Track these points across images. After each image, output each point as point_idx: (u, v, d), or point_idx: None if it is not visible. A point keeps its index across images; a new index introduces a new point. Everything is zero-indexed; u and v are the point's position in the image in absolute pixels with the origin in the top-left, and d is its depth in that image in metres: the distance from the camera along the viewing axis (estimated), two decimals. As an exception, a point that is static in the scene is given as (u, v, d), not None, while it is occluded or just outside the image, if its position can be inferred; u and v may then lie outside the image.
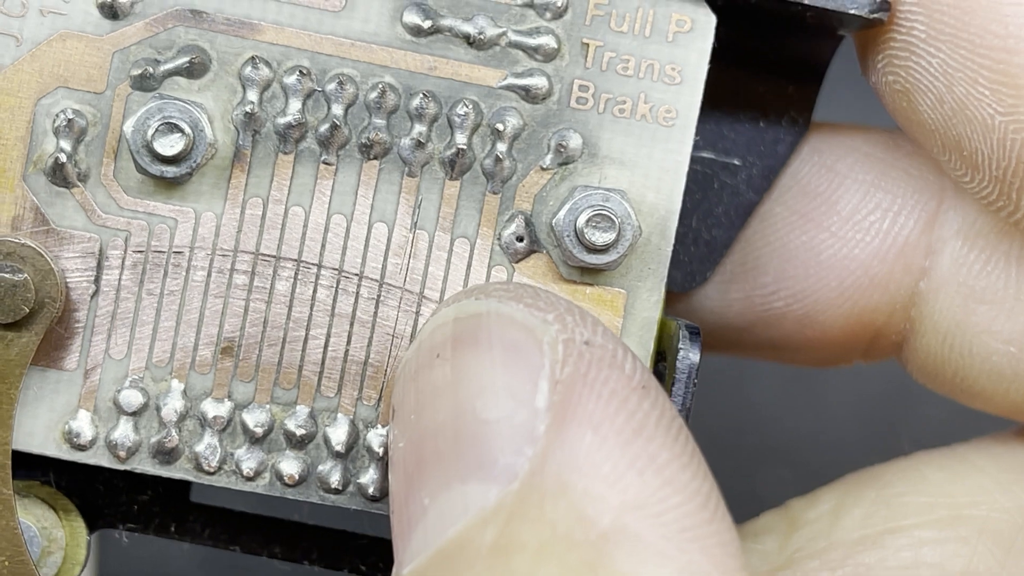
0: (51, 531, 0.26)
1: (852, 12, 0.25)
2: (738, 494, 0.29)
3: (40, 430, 0.25)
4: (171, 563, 0.37)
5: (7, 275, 0.24)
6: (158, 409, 0.25)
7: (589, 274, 0.26)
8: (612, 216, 0.25)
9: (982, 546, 0.27)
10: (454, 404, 0.23)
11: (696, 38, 0.26)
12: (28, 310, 0.24)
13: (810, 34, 0.27)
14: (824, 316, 0.28)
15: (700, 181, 0.28)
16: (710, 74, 0.26)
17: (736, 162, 0.28)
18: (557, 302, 0.24)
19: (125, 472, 0.27)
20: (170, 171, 0.25)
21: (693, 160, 0.27)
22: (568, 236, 0.25)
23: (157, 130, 0.25)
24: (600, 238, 0.25)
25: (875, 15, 0.25)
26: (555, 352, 0.23)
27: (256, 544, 0.28)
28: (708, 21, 0.26)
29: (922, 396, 0.34)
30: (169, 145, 0.25)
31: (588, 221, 0.25)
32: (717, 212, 0.29)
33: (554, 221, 0.25)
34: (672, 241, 0.26)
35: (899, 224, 0.28)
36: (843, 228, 0.28)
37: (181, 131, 0.25)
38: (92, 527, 0.27)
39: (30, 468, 0.26)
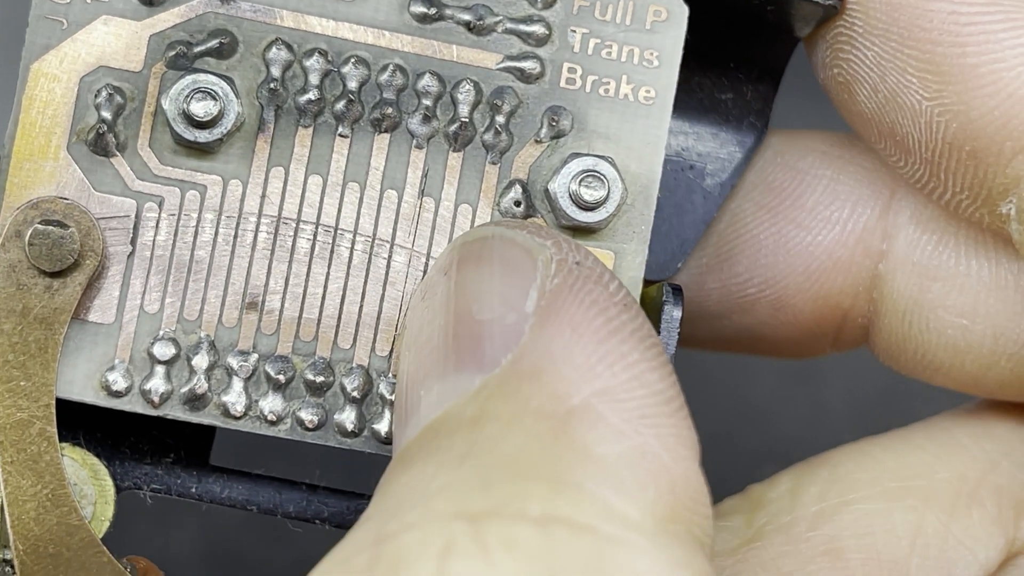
0: (82, 487, 0.28)
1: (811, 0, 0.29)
2: (738, 494, 0.31)
3: (79, 379, 0.27)
4: (172, 558, 0.39)
5: (55, 228, 0.27)
6: (189, 359, 0.28)
7: (580, 235, 0.28)
8: (602, 177, 0.28)
9: (928, 512, 0.30)
10: (454, 308, 0.25)
11: (671, 26, 0.29)
12: (73, 260, 0.27)
13: (769, 35, 0.30)
14: (795, 300, 0.31)
15: (669, 180, 0.31)
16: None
17: (701, 163, 0.31)
18: (556, 234, 0.26)
19: (149, 435, 0.29)
20: (203, 136, 0.27)
21: (663, 161, 0.30)
22: (562, 196, 0.28)
23: (192, 96, 0.27)
24: (591, 195, 0.28)
25: (828, 2, 0.29)
26: (547, 268, 0.25)
27: (271, 504, 0.29)
28: (682, 11, 0.29)
29: (920, 397, 0.36)
30: (203, 110, 0.27)
31: (581, 181, 0.28)
32: (685, 209, 0.31)
33: (549, 185, 0.28)
34: (654, 206, 0.29)
35: (857, 212, 0.31)
36: (807, 219, 0.31)
37: (214, 97, 0.27)
38: (119, 488, 0.29)
39: (62, 427, 0.28)
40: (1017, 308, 0.30)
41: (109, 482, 0.28)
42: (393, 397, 0.28)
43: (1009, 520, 0.30)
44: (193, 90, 0.27)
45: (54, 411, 0.27)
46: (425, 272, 0.28)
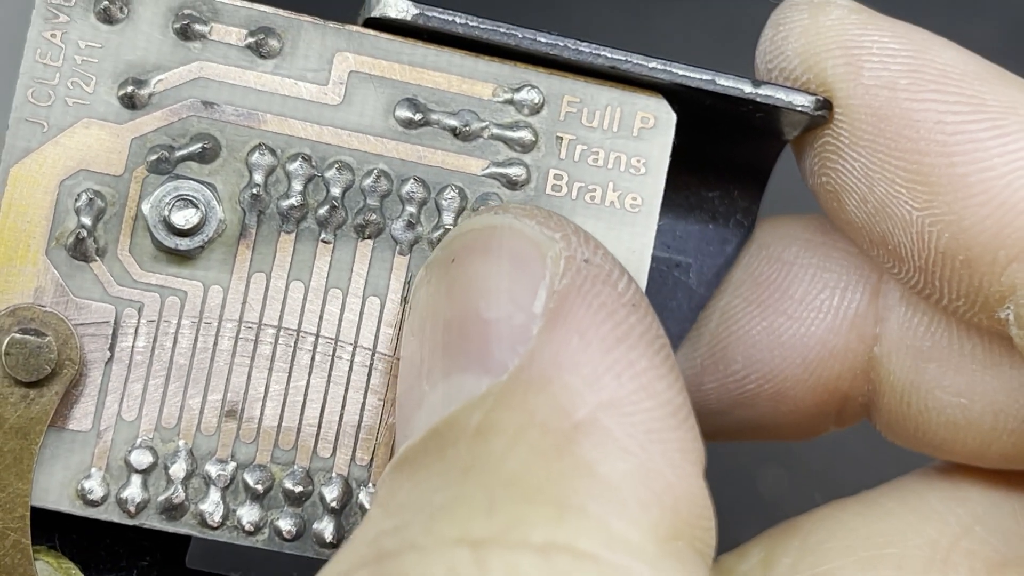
0: (56, 592, 0.28)
1: (798, 109, 0.28)
2: (738, 494, 0.31)
3: (55, 487, 0.27)
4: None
5: (32, 337, 0.26)
6: (166, 468, 0.27)
7: (564, 345, 0.28)
8: (587, 288, 0.28)
9: None
10: (461, 303, 0.25)
11: (659, 133, 0.28)
12: (50, 370, 0.26)
13: (757, 138, 0.30)
14: (794, 391, 0.31)
15: (655, 277, 0.31)
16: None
17: (688, 260, 0.31)
18: (566, 224, 0.26)
19: (125, 538, 0.29)
20: (184, 244, 0.27)
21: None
22: (547, 307, 0.28)
23: (173, 205, 0.27)
24: (576, 307, 0.28)
25: (818, 112, 0.28)
26: (556, 266, 0.25)
27: (248, 609, 0.29)
28: (669, 118, 0.28)
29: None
30: (184, 219, 0.27)
31: (565, 293, 0.28)
32: (671, 306, 0.31)
33: (534, 294, 0.28)
34: (639, 315, 0.28)
35: (847, 299, 0.30)
36: (798, 310, 0.31)
37: (195, 206, 0.27)
38: (93, 591, 0.29)
39: (36, 531, 0.28)
40: (1014, 384, 0.30)
41: (84, 586, 0.28)
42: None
43: None
44: (175, 198, 0.27)
45: (28, 523, 0.27)
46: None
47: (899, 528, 0.31)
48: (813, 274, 0.31)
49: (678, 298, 0.31)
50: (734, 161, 0.31)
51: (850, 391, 0.31)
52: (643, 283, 0.28)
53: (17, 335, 0.26)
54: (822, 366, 0.31)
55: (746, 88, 0.28)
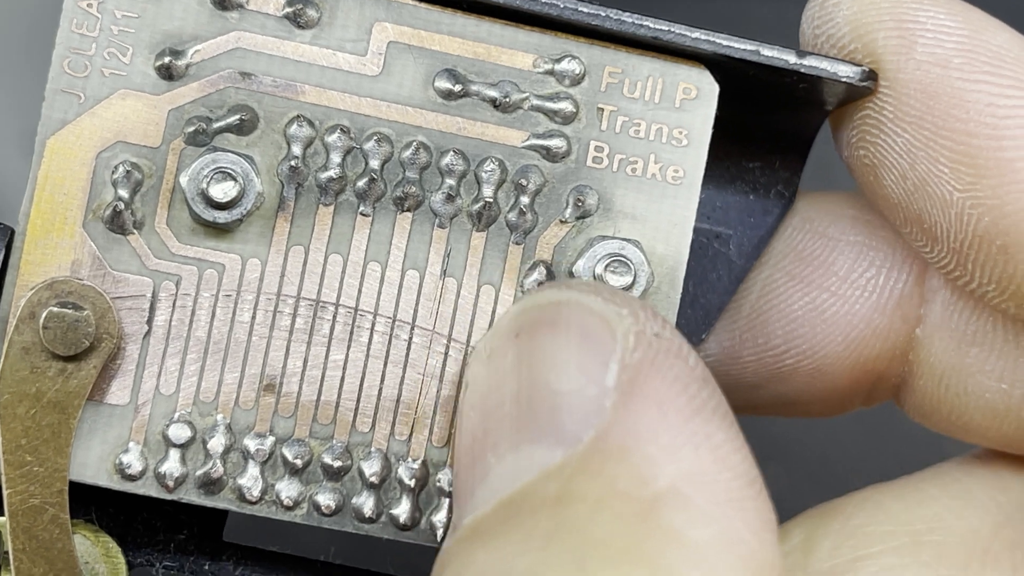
0: (94, 566, 0.28)
1: (843, 80, 0.28)
2: None
3: (93, 461, 0.27)
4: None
5: (70, 311, 0.26)
6: (204, 442, 0.27)
7: (605, 319, 0.28)
8: (628, 262, 0.27)
9: (943, 569, 0.30)
10: (528, 375, 0.25)
11: (701, 104, 0.28)
12: (88, 344, 0.26)
13: (798, 108, 0.30)
14: (832, 368, 0.31)
15: (695, 249, 0.30)
16: None
17: (728, 231, 0.31)
18: (631, 300, 0.26)
19: (162, 512, 0.29)
20: (222, 217, 0.27)
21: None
22: (587, 279, 0.27)
23: (212, 178, 0.27)
24: (618, 282, 0.27)
25: (863, 83, 0.28)
26: (627, 341, 0.25)
27: (284, 582, 0.29)
28: (712, 89, 0.28)
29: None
30: (223, 192, 0.27)
31: (607, 267, 0.27)
32: (711, 278, 0.31)
33: (574, 267, 0.28)
34: (680, 289, 0.28)
35: (893, 278, 0.30)
36: (842, 287, 0.30)
37: (234, 179, 0.27)
38: (131, 565, 0.28)
39: (73, 504, 0.28)
40: None
41: (121, 560, 0.28)
42: (412, 483, 0.27)
43: None
44: (213, 170, 0.27)
45: (67, 497, 0.26)
46: (446, 355, 0.27)
47: (940, 514, 0.30)
48: (858, 251, 0.30)
49: (718, 270, 0.31)
50: (775, 131, 0.30)
51: (887, 371, 0.31)
52: (684, 258, 0.28)
53: (55, 308, 0.26)
54: (864, 345, 0.30)
55: (791, 59, 0.28)
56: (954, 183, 0.28)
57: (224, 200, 0.27)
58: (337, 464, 0.27)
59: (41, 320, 0.26)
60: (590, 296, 0.26)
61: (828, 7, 0.29)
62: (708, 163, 0.29)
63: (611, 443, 0.24)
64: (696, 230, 0.30)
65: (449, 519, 0.27)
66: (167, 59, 0.27)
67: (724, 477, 0.24)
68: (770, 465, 0.31)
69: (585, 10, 0.27)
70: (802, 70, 0.28)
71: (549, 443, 0.24)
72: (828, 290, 0.30)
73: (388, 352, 0.27)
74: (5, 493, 0.26)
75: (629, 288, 0.27)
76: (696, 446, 0.24)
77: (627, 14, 0.28)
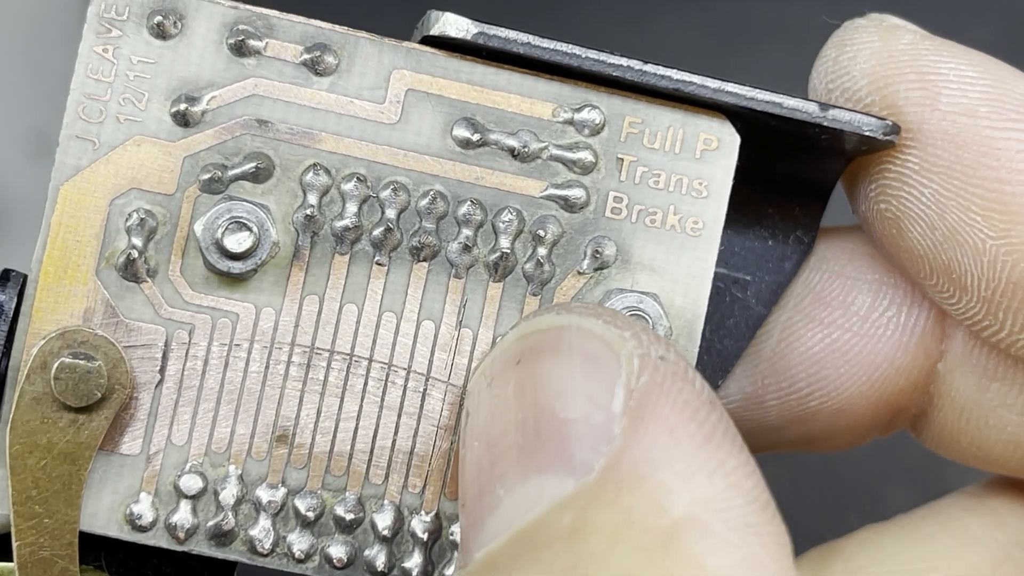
0: (103, 613, 0.28)
1: (867, 134, 0.28)
2: None
3: (103, 511, 0.27)
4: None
5: (82, 362, 0.26)
6: (216, 493, 0.27)
7: (622, 372, 0.27)
8: (646, 315, 0.27)
9: None
10: (533, 404, 0.25)
11: (722, 156, 0.28)
12: (100, 395, 0.26)
13: (819, 157, 0.29)
14: (855, 407, 0.30)
15: (713, 295, 0.30)
16: None
17: (746, 277, 0.30)
18: (633, 322, 0.25)
19: (173, 560, 0.28)
20: (236, 267, 0.26)
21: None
22: (605, 335, 0.27)
23: (227, 228, 0.26)
24: (636, 337, 0.27)
25: (887, 137, 0.28)
26: (631, 364, 0.24)
27: (296, 633, 0.29)
28: (733, 140, 0.28)
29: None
30: (238, 242, 0.26)
31: (624, 321, 0.27)
32: (728, 324, 0.31)
33: (591, 321, 0.27)
34: (698, 342, 0.28)
35: (915, 315, 0.30)
36: (863, 326, 0.30)
37: (249, 229, 0.26)
38: (141, 612, 0.28)
39: (83, 550, 0.28)
40: None
41: (131, 608, 0.28)
42: (424, 536, 0.27)
43: None
44: (228, 220, 0.26)
45: (77, 549, 0.26)
46: (461, 406, 0.27)
47: (940, 553, 0.30)
48: (877, 289, 0.30)
49: (735, 315, 0.31)
50: (795, 178, 0.30)
51: (907, 404, 0.31)
52: (703, 310, 0.28)
53: (67, 359, 0.26)
54: (887, 382, 0.30)
55: (813, 111, 0.28)
56: (987, 231, 0.27)
57: (239, 251, 0.26)
58: (350, 517, 0.27)
59: (53, 371, 0.26)
60: (591, 319, 0.25)
61: (843, 61, 0.28)
62: (727, 209, 0.28)
63: (624, 471, 0.24)
64: (714, 275, 0.30)
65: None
66: (183, 105, 0.27)
67: (739, 503, 0.24)
68: (775, 467, 0.31)
69: (606, 60, 0.27)
70: (825, 123, 0.28)
71: (559, 472, 0.24)
72: (850, 330, 0.30)
73: (402, 403, 0.27)
74: (15, 544, 0.26)
75: (647, 343, 0.27)
76: (710, 472, 0.24)
77: (649, 64, 0.27)
